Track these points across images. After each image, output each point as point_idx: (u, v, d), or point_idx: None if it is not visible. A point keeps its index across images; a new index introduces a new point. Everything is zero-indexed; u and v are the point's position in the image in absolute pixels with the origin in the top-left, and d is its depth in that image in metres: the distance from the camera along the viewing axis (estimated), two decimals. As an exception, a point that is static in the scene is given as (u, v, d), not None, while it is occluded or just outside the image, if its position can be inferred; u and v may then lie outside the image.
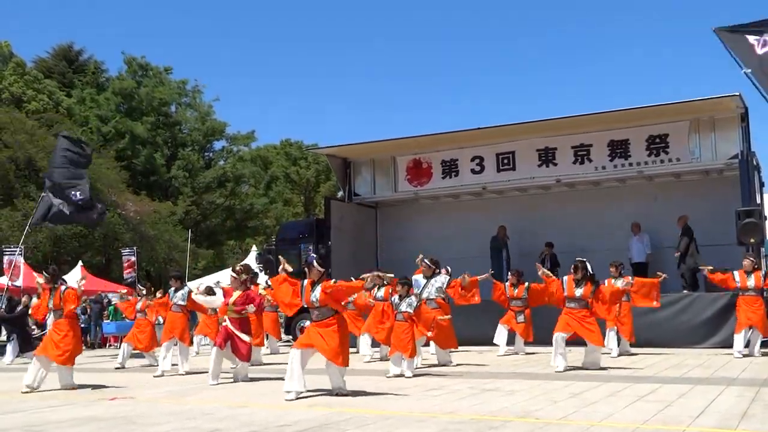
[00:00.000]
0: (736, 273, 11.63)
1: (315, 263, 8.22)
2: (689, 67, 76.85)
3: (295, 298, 8.31)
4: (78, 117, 39.67)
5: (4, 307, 18.59)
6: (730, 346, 11.81)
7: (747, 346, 11.71)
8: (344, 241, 17.62)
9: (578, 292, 10.24)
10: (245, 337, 10.04)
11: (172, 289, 12.33)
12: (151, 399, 8.32)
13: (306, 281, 8.22)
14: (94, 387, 9.64)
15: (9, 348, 16.44)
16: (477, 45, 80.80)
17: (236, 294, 10.22)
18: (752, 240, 12.78)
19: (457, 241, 17.45)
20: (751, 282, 11.48)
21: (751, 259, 11.90)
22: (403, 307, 10.22)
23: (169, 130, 43.44)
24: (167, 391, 9.16)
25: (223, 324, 10.25)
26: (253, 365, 11.73)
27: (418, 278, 11.74)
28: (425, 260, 11.88)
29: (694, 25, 75.94)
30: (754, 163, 14.47)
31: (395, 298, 10.45)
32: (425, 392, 8.06)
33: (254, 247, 30.49)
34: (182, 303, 12.11)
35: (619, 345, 12.34)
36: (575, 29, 77.62)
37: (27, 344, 15.84)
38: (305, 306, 8.31)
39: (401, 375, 9.77)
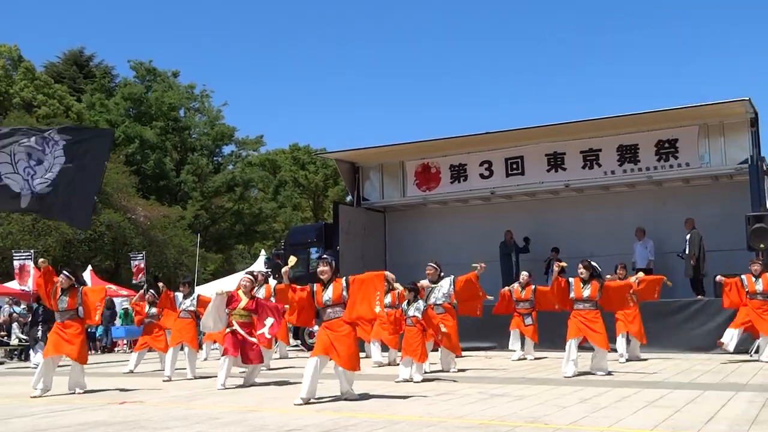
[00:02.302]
0: (743, 277, 11.57)
1: (333, 263, 8.27)
2: (699, 72, 76.70)
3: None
4: (88, 122, 39.87)
5: (18, 312, 18.68)
6: (741, 352, 11.75)
7: (757, 351, 11.66)
8: (353, 245, 17.65)
9: (586, 292, 10.21)
10: (254, 340, 10.03)
11: (180, 295, 12.27)
12: (159, 403, 8.34)
13: (316, 285, 8.22)
14: (103, 391, 9.66)
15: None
16: (485, 48, 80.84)
17: (245, 300, 10.16)
18: (762, 245, 12.73)
19: (465, 246, 17.39)
20: (759, 286, 11.41)
21: (760, 263, 11.85)
22: (412, 312, 10.23)
23: (178, 135, 43.67)
24: (175, 395, 9.18)
25: (229, 330, 10.06)
26: (262, 370, 11.74)
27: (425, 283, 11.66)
28: (431, 263, 11.82)
29: (705, 29, 75.78)
30: (764, 167, 14.41)
31: (404, 304, 10.46)
32: (434, 397, 8.04)
33: (263, 252, 30.53)
34: (192, 309, 12.10)
35: (629, 347, 12.29)
36: (585, 33, 77.54)
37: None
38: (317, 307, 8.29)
39: (410, 379, 9.76)
